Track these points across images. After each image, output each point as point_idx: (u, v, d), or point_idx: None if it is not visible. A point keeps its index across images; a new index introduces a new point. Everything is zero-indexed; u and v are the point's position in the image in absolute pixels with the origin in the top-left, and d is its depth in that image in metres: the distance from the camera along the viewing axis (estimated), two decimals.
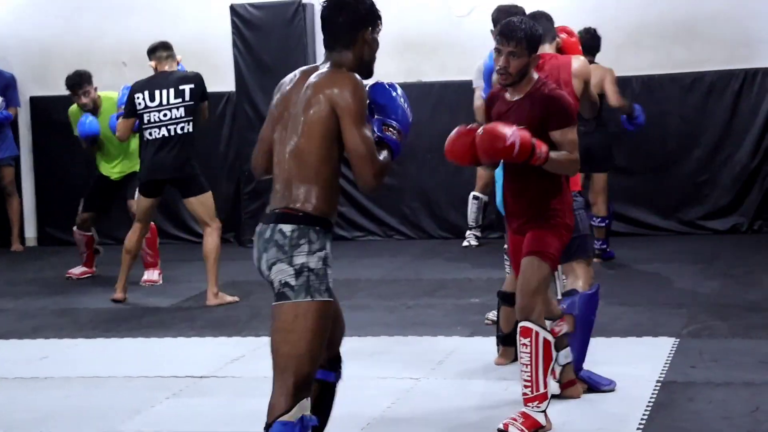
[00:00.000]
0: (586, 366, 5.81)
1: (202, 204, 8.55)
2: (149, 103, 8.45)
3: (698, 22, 10.56)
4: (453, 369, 6.41)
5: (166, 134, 8.42)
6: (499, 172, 5.72)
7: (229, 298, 8.53)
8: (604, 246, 9.50)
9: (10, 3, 11.91)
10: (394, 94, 4.40)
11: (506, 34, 5.17)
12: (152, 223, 9.13)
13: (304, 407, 4.21)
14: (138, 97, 8.48)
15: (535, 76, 5.27)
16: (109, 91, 9.54)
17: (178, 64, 8.68)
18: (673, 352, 6.50)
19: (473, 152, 5.14)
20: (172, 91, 8.45)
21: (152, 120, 8.44)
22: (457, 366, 6.47)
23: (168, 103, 8.43)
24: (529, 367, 5.19)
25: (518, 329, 5.24)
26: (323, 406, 4.51)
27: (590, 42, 8.80)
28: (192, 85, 8.48)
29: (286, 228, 4.21)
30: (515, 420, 5.17)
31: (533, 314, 5.20)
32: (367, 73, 4.37)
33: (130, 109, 8.54)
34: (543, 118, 5.12)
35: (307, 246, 4.20)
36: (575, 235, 5.48)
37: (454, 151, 5.22)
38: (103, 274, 9.92)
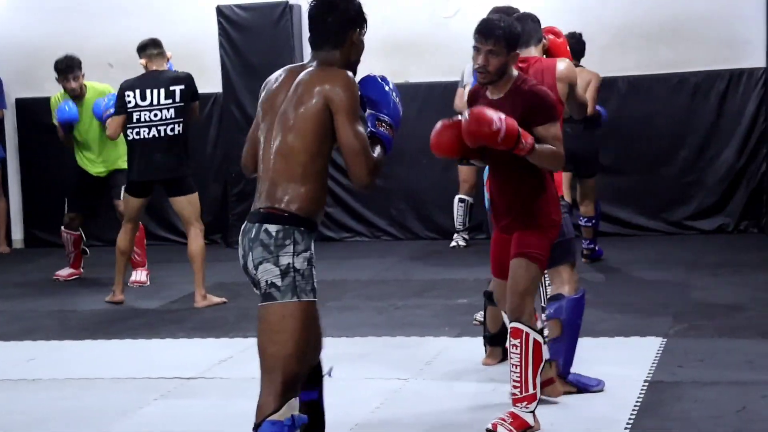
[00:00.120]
0: (574, 366, 5.82)
1: (190, 204, 8.54)
2: (140, 102, 8.42)
3: (684, 22, 10.59)
4: (441, 369, 6.42)
5: (156, 135, 8.40)
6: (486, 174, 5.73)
7: (217, 300, 8.53)
8: (592, 246, 9.53)
9: None
10: (386, 88, 4.42)
11: (484, 33, 5.15)
12: (140, 222, 9.12)
13: (293, 407, 4.23)
14: (128, 95, 8.45)
15: (515, 73, 5.25)
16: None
17: (167, 62, 8.66)
18: (660, 352, 6.52)
19: (459, 144, 5.12)
20: (162, 91, 8.43)
21: (142, 119, 8.42)
22: (445, 366, 6.47)
23: (159, 104, 8.42)
24: (518, 367, 5.20)
25: (509, 330, 5.25)
26: (317, 427, 4.53)
27: (575, 46, 8.81)
28: (183, 86, 8.47)
29: (272, 228, 4.23)
30: (504, 420, 5.18)
31: (524, 315, 5.21)
32: (352, 73, 4.38)
33: (120, 107, 8.50)
34: (525, 115, 5.09)
35: (293, 246, 4.21)
36: (560, 239, 5.47)
37: (440, 143, 5.18)
38: (90, 276, 9.91)
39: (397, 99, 4.44)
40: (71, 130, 9.39)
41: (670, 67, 10.63)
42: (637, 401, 5.61)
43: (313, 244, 4.28)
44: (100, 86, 9.42)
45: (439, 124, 5.22)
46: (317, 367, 4.56)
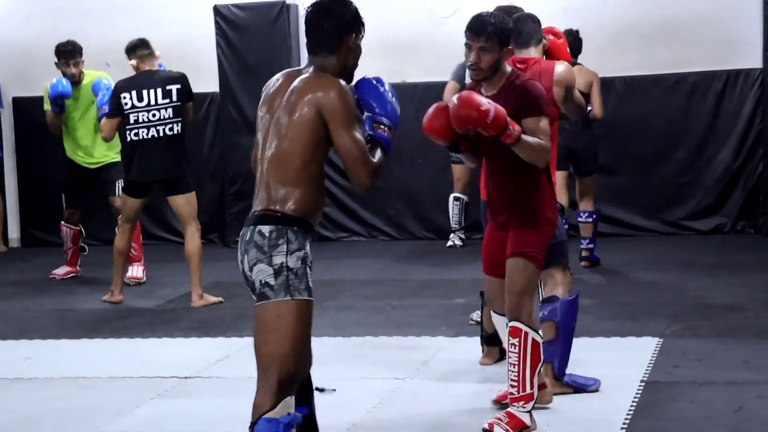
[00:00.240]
0: (570, 366, 5.82)
1: (188, 203, 8.54)
2: (137, 103, 8.41)
3: (681, 23, 10.60)
4: (438, 369, 6.42)
5: (155, 135, 8.40)
6: None
7: (214, 299, 8.53)
8: (592, 245, 9.35)
9: None
10: (381, 89, 4.42)
11: (476, 30, 5.14)
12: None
13: (289, 405, 4.24)
14: (124, 97, 8.42)
15: (508, 69, 5.24)
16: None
17: (157, 61, 8.64)
18: (656, 352, 6.53)
19: (451, 129, 5.10)
20: (159, 91, 8.42)
21: (140, 120, 8.40)
22: (442, 366, 6.47)
23: (156, 104, 8.41)
24: (516, 367, 5.20)
25: (507, 329, 5.25)
26: None
27: (572, 44, 8.79)
28: (179, 86, 8.47)
29: (265, 229, 4.25)
30: (501, 420, 5.18)
31: (523, 315, 5.20)
32: (348, 79, 4.40)
33: (115, 109, 8.47)
34: (516, 109, 5.08)
35: (286, 246, 4.23)
36: (552, 242, 5.46)
37: (432, 127, 5.16)
38: (87, 275, 9.91)
39: (394, 99, 4.45)
40: (62, 109, 9.36)
41: (667, 67, 10.64)
42: (633, 401, 5.62)
43: (308, 244, 4.29)
44: (97, 74, 9.42)
45: (432, 108, 5.21)
46: (307, 381, 4.53)
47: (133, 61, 8.54)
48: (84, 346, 7.46)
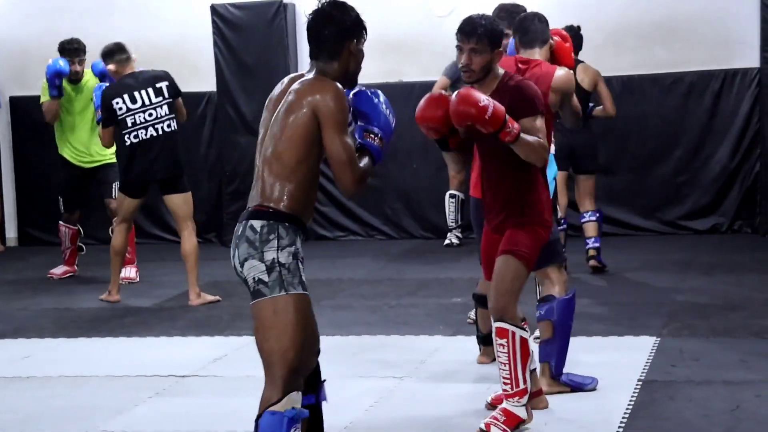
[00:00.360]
0: (567, 365, 5.83)
1: (185, 202, 8.54)
2: (131, 106, 8.39)
3: (678, 23, 10.61)
4: (435, 368, 6.42)
5: (154, 134, 8.40)
6: None
7: (211, 298, 8.53)
8: (597, 245, 9.05)
9: None
10: (376, 101, 4.47)
11: (466, 31, 5.14)
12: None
13: (294, 400, 4.26)
14: (117, 102, 8.39)
15: (501, 71, 5.24)
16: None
17: (134, 63, 8.59)
18: (653, 351, 6.53)
19: (443, 120, 5.09)
20: (150, 90, 8.42)
21: (137, 122, 8.39)
22: (439, 365, 6.48)
23: (151, 103, 8.41)
24: (507, 365, 5.20)
25: (493, 330, 5.24)
26: (315, 430, 4.54)
27: (573, 40, 8.77)
28: (167, 82, 8.49)
29: (256, 223, 4.30)
30: (497, 419, 5.18)
31: (508, 314, 5.19)
32: (351, 83, 4.46)
33: (108, 117, 8.42)
34: (511, 109, 5.07)
35: (277, 241, 4.27)
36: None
37: (424, 117, 5.16)
38: (84, 274, 9.91)
39: (389, 112, 4.49)
40: (60, 92, 9.33)
41: (664, 67, 10.65)
42: (630, 401, 5.62)
43: (299, 240, 4.33)
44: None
45: (425, 97, 5.21)
46: (315, 371, 4.56)
47: (112, 66, 8.50)
48: (82, 345, 7.46)
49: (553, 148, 7.17)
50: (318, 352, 4.54)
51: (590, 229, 9.09)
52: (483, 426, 5.20)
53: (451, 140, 5.25)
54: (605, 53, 10.36)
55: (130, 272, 9.52)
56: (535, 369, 5.53)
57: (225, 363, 6.79)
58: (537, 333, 5.92)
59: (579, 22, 9.29)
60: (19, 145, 11.92)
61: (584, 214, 9.11)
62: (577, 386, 5.79)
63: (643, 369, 6.16)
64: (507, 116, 4.97)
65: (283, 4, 11.00)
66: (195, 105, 11.14)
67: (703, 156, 10.66)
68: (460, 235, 10.61)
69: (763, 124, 10.47)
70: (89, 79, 9.38)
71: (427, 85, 10.79)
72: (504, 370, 5.21)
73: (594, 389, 5.80)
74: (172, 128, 8.46)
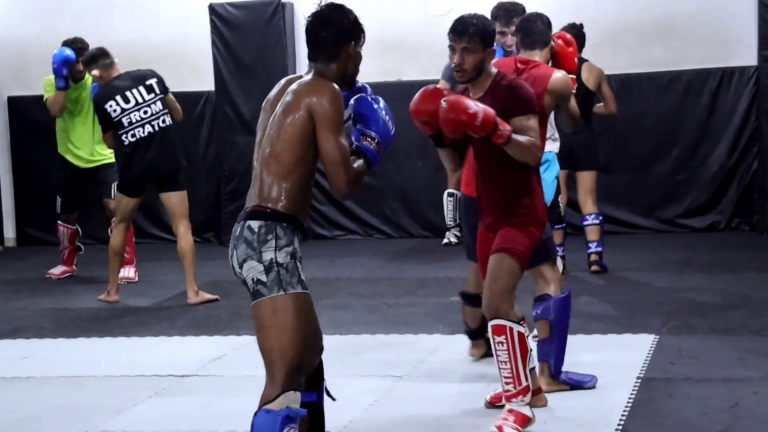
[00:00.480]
0: (566, 363, 5.83)
1: (182, 200, 8.56)
2: (125, 106, 8.39)
3: (676, 21, 10.62)
4: (434, 368, 6.43)
5: (152, 130, 8.40)
6: None
7: (210, 297, 8.53)
8: (600, 249, 8.97)
9: None
10: (375, 106, 4.50)
11: (458, 31, 5.15)
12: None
13: (290, 399, 4.27)
14: (110, 106, 8.38)
15: (494, 70, 5.24)
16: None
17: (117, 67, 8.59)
18: (652, 349, 6.54)
19: (437, 115, 5.09)
20: (142, 88, 8.44)
21: (134, 121, 8.40)
22: (438, 364, 6.48)
23: (144, 101, 8.42)
24: (508, 363, 5.18)
25: (490, 328, 5.22)
26: (316, 428, 4.55)
27: (575, 38, 8.75)
28: (155, 79, 8.53)
29: (254, 224, 4.32)
30: (506, 420, 5.15)
31: (501, 312, 5.18)
32: (349, 85, 4.49)
33: (104, 123, 8.44)
34: (505, 108, 5.07)
35: (275, 241, 4.29)
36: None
37: (419, 111, 5.15)
38: (82, 274, 9.91)
39: (388, 118, 4.51)
40: (67, 83, 9.31)
41: (662, 65, 10.66)
42: (629, 398, 5.63)
43: (297, 240, 4.35)
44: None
45: (420, 91, 5.20)
46: (318, 368, 4.57)
47: (96, 72, 8.50)
48: (81, 345, 7.46)
49: (556, 146, 7.20)
50: (321, 350, 4.56)
51: (592, 232, 9.00)
52: (494, 429, 5.14)
53: (445, 137, 5.25)
54: (603, 52, 10.35)
55: (128, 272, 9.53)
56: (534, 368, 5.53)
57: (224, 363, 6.79)
58: (535, 332, 5.93)
59: (576, 21, 9.29)
60: (18, 144, 11.92)
61: (586, 217, 9.03)
62: (576, 384, 5.80)
63: (642, 367, 6.17)
64: (498, 119, 4.97)
65: (281, 4, 11.00)
66: (193, 104, 11.15)
67: (701, 154, 10.67)
68: (458, 233, 10.61)
69: (760, 122, 10.49)
70: (90, 79, 9.38)
71: (426, 85, 10.82)
72: (505, 368, 5.20)
73: (593, 387, 5.81)
74: (167, 123, 8.48)
